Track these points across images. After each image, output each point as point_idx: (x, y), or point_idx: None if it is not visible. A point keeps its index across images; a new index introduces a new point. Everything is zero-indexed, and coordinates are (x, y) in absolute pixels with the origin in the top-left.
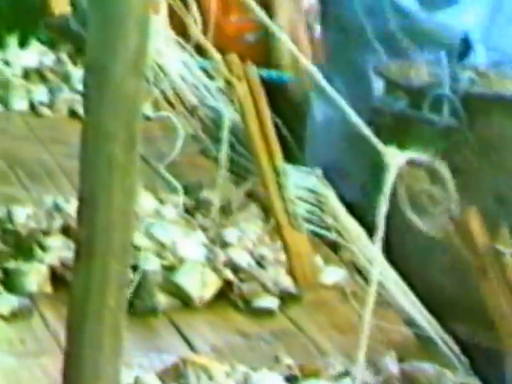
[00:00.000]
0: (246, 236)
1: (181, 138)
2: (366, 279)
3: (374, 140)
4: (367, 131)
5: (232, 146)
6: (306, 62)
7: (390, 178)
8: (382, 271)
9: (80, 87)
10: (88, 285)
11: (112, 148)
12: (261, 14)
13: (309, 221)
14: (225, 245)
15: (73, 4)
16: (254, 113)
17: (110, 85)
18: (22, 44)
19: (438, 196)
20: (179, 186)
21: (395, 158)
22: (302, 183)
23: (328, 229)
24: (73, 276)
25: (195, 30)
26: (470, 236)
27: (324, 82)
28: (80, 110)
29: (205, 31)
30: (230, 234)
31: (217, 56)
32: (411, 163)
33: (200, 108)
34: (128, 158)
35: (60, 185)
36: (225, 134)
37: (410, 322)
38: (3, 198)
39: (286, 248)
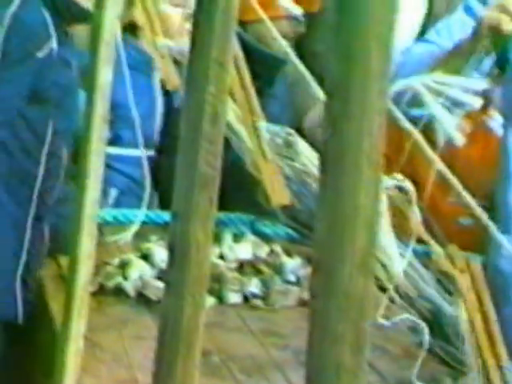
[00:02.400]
0: None
1: (425, 343)
2: None
3: None
4: None
5: (449, 339)
6: None
7: None
8: None
9: (292, 278)
10: None
11: (339, 351)
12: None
13: None
14: None
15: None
16: (478, 307)
17: (338, 285)
18: (237, 237)
19: None
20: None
21: None
22: None
23: None
24: None
25: (417, 223)
26: None
27: None
28: (290, 301)
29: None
30: None
31: (437, 247)
32: None
33: (417, 299)
34: (356, 362)
35: (273, 379)
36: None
37: None
38: None
39: None
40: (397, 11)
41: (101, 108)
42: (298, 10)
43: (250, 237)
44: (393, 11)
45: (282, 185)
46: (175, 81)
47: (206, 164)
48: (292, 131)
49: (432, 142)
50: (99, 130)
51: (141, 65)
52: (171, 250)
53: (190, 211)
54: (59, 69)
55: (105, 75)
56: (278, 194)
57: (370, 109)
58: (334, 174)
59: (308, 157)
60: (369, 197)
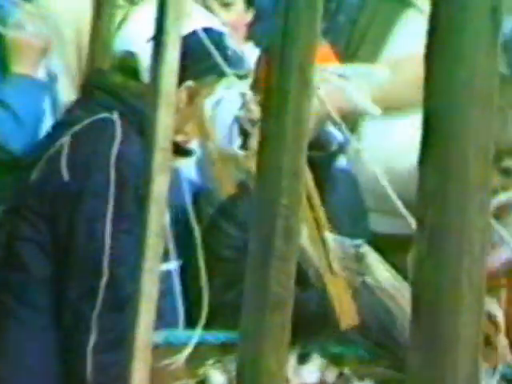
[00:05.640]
0: None
1: None
2: None
3: None
4: None
5: None
6: None
7: None
8: None
9: None
10: None
11: None
12: None
13: None
14: None
15: None
16: None
17: None
18: (302, 358)
19: None
20: None
21: None
22: None
23: None
24: None
25: (504, 349)
26: None
27: None
28: None
29: None
30: None
31: None
32: None
33: None
34: None
35: None
36: None
37: None
38: None
39: None
40: (495, 119)
41: (155, 223)
42: (375, 109)
43: (317, 358)
44: (491, 119)
45: (352, 303)
46: (229, 187)
47: (277, 284)
48: (362, 243)
49: None
50: (154, 248)
51: None
52: (239, 378)
53: (260, 336)
54: None
55: (160, 185)
56: (347, 314)
57: (469, 224)
58: (430, 294)
59: (381, 271)
60: (471, 321)
